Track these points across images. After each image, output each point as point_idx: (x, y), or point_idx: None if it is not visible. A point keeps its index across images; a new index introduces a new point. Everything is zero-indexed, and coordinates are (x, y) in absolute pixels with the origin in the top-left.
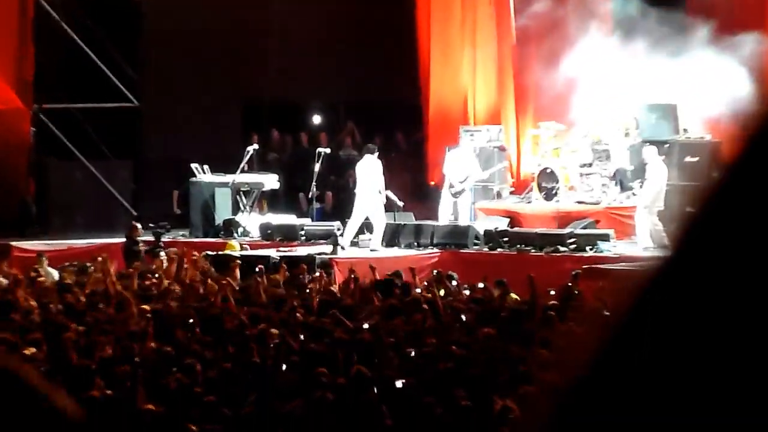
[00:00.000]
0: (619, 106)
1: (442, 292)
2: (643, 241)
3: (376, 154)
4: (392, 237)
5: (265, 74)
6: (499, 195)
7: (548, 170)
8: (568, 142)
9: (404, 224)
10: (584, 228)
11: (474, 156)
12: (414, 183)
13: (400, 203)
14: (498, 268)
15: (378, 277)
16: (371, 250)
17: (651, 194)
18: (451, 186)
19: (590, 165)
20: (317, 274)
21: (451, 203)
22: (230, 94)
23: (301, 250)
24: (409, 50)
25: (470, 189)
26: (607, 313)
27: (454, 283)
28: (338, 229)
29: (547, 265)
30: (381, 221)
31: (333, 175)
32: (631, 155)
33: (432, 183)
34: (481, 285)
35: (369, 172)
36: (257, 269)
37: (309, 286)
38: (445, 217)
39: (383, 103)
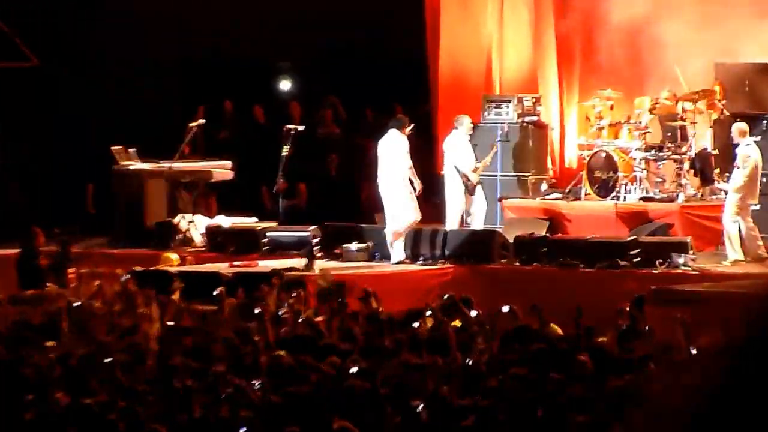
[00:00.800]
0: (699, 68)
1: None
2: (733, 251)
3: (406, 128)
4: (386, 247)
5: (215, 25)
6: (535, 189)
7: (603, 155)
8: (631, 117)
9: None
10: (652, 234)
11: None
12: (419, 172)
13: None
14: (533, 288)
15: (377, 306)
16: (395, 263)
17: (742, 188)
18: (466, 178)
19: (660, 148)
20: (294, 295)
21: (461, 201)
22: (166, 53)
23: (264, 265)
24: None
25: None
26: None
27: (473, 313)
28: (314, 237)
29: (600, 286)
30: (406, 218)
31: (307, 162)
32: (716, 135)
33: (443, 173)
34: (506, 309)
35: (394, 153)
36: (216, 293)
37: (282, 314)
38: (456, 219)
39: (376, 64)
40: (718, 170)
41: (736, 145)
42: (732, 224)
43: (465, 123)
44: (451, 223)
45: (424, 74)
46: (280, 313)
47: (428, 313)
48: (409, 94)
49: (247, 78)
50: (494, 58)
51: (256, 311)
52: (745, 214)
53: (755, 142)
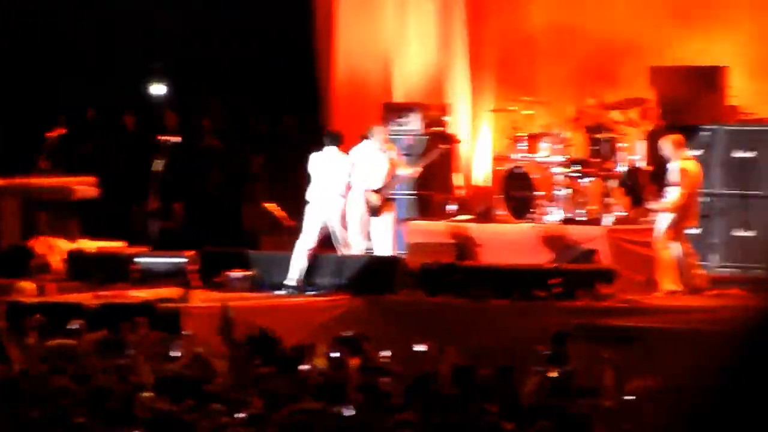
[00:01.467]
0: (631, 73)
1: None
2: (667, 280)
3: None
4: (273, 275)
5: (74, 15)
6: (442, 209)
7: (520, 171)
8: (552, 128)
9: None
10: (575, 261)
11: (395, 153)
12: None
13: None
14: (440, 323)
15: (232, 332)
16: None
17: (677, 208)
18: (368, 198)
19: (586, 164)
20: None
21: (361, 223)
22: (14, 51)
23: (134, 296)
24: None
25: (366, 201)
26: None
27: (382, 353)
28: (191, 264)
29: (517, 320)
30: (356, 244)
31: (183, 178)
32: (650, 149)
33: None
34: (420, 348)
35: (336, 171)
36: (74, 326)
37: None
38: (356, 244)
39: (264, 68)
40: (651, 189)
41: (669, 160)
42: (665, 250)
43: (378, 134)
44: (350, 247)
45: (318, 81)
46: (154, 350)
47: (320, 350)
48: (301, 101)
49: (112, 79)
50: (396, 61)
51: (125, 348)
52: (680, 238)
53: (695, 156)
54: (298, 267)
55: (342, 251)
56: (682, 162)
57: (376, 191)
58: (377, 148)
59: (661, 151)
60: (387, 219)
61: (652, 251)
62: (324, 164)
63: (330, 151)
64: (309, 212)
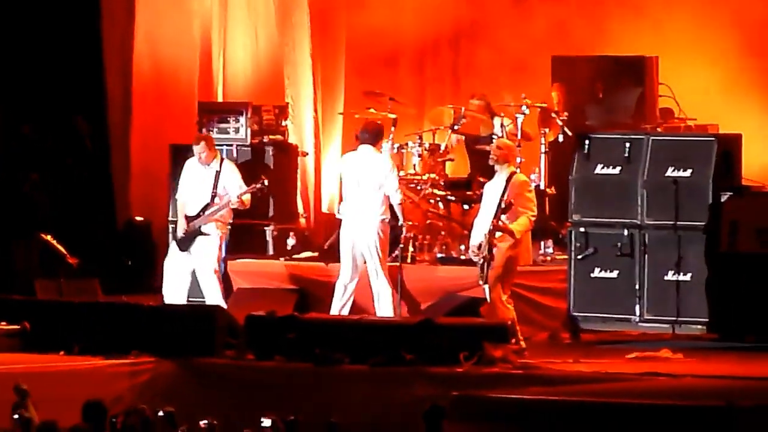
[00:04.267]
0: (527, 64)
1: None
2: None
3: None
4: (54, 331)
5: None
6: (278, 244)
7: None
8: (423, 136)
9: (79, 305)
10: (455, 313)
11: (231, 166)
12: (102, 215)
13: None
14: (274, 395)
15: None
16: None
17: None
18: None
19: (468, 184)
20: None
21: (176, 264)
22: None
23: None
24: None
25: (214, 230)
26: None
27: None
28: None
29: (377, 392)
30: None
31: None
32: (551, 164)
33: (139, 218)
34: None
35: (378, 177)
36: None
37: None
38: (172, 289)
39: (32, 59)
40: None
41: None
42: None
43: (198, 145)
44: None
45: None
46: None
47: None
48: (92, 99)
49: None
50: (216, 50)
51: None
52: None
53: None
54: (333, 307)
55: (375, 281)
56: (519, 174)
57: (190, 218)
58: (196, 162)
59: (493, 159)
60: (200, 255)
61: (557, 302)
62: (360, 168)
63: (366, 152)
64: (343, 233)
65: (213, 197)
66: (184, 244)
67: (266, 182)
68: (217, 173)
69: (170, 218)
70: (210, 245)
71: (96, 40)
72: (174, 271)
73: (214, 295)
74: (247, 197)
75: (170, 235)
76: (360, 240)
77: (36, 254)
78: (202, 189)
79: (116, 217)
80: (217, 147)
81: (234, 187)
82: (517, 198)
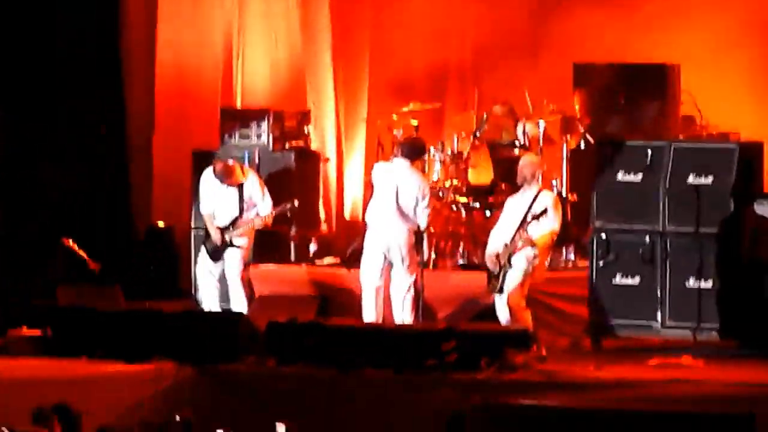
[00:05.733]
0: (549, 72)
1: None
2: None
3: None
4: (76, 336)
5: None
6: (300, 250)
7: None
8: (446, 143)
9: (101, 311)
10: (478, 319)
11: (254, 177)
12: (123, 220)
13: None
14: (297, 401)
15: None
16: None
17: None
18: (208, 237)
19: (491, 191)
20: None
21: (207, 271)
22: None
23: None
24: None
25: (243, 241)
26: None
27: None
28: None
29: (400, 397)
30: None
31: None
32: (573, 171)
33: (161, 224)
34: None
35: (413, 192)
36: None
37: None
38: (207, 296)
39: (62, 66)
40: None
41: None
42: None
43: (219, 173)
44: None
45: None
46: None
47: None
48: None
49: None
50: (236, 54)
51: None
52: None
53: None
54: (368, 312)
55: (397, 290)
56: (546, 190)
57: (222, 230)
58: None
59: (521, 176)
60: (232, 262)
61: (579, 307)
62: (393, 181)
63: (400, 166)
64: (369, 239)
65: (241, 210)
66: (218, 254)
67: (297, 203)
68: (241, 185)
69: (194, 225)
70: (239, 254)
71: (116, 47)
72: (207, 279)
73: (240, 302)
74: (270, 217)
75: (200, 244)
76: (389, 246)
77: (60, 260)
78: (228, 200)
79: (135, 223)
80: (238, 154)
81: (259, 200)
82: (543, 212)
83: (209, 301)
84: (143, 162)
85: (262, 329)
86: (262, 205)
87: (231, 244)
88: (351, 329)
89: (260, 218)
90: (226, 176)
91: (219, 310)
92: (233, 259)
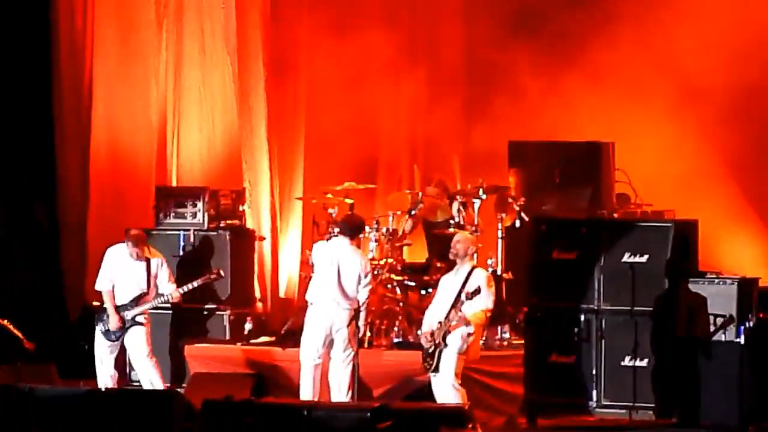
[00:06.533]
0: (482, 150)
1: None
2: None
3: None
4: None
5: None
6: (235, 328)
7: None
8: (381, 221)
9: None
10: (413, 398)
11: (163, 261)
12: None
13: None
14: None
15: None
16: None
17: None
18: (105, 316)
19: (425, 269)
20: None
21: (107, 351)
22: None
23: None
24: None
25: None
26: None
27: None
28: None
29: None
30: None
31: None
32: (508, 250)
33: (96, 303)
34: None
35: (356, 270)
36: None
37: None
38: (105, 375)
39: None
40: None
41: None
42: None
43: (130, 242)
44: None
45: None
46: None
47: None
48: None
49: None
50: (170, 133)
51: None
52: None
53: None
54: (305, 389)
55: (336, 368)
56: (480, 268)
57: (121, 308)
58: (122, 252)
59: (454, 252)
60: (135, 340)
61: (514, 386)
62: (335, 259)
63: (341, 244)
64: (311, 317)
65: (148, 286)
66: (116, 334)
67: (222, 273)
68: (148, 262)
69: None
70: (143, 332)
71: (51, 125)
72: (106, 358)
73: (154, 380)
74: (177, 294)
75: (98, 322)
76: (332, 324)
77: None
78: (133, 278)
79: (70, 302)
80: (173, 233)
81: (165, 280)
82: (477, 291)
83: (108, 380)
84: (77, 240)
85: (197, 407)
86: (166, 286)
87: (134, 322)
88: (287, 408)
89: (165, 297)
90: (139, 242)
91: (143, 388)
92: (137, 338)
